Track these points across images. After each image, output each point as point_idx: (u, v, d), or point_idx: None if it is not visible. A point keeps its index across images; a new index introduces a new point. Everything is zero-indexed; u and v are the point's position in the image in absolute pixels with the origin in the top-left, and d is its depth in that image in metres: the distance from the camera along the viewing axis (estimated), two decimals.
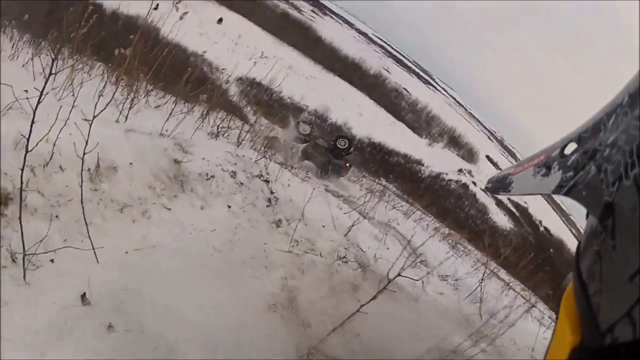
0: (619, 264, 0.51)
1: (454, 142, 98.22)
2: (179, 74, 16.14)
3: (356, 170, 33.27)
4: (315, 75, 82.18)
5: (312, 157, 18.96)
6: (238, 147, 8.84)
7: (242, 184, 6.82)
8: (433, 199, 47.26)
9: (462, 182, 75.26)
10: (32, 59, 7.44)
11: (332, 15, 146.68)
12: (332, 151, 18.78)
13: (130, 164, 5.58)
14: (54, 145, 4.77)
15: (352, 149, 19.31)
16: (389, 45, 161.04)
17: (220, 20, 77.56)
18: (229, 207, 6.27)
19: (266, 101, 52.18)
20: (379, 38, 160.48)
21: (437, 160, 76.25)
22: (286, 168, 10.08)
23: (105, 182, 5.21)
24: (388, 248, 8.55)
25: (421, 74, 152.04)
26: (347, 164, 18.91)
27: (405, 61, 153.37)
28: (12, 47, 8.02)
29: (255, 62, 67.15)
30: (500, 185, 0.90)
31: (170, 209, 5.64)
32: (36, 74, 7.10)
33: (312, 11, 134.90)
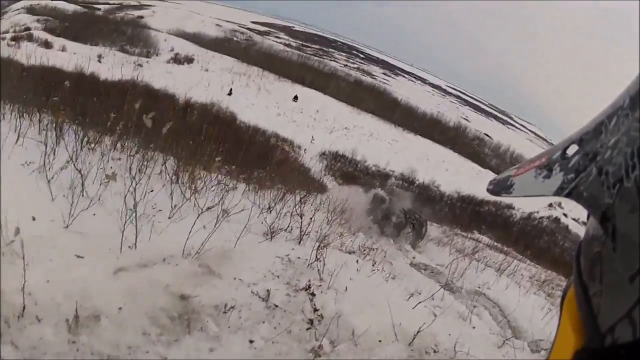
0: (619, 265, 0.51)
1: None
2: (256, 158, 16.07)
3: (448, 229, 31.97)
4: (396, 138, 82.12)
5: (387, 226, 17.22)
6: (299, 243, 7.61)
7: (276, 306, 5.47)
8: (526, 241, 46.01)
9: (554, 216, 73.61)
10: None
11: (404, 74, 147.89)
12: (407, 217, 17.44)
13: (120, 308, 4.54)
14: (24, 294, 3.82)
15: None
16: (463, 93, 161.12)
17: (295, 98, 78.84)
18: (251, 342, 4.90)
19: (351, 172, 51.75)
20: (452, 88, 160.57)
21: (527, 200, 71.94)
22: (361, 253, 9.01)
23: (85, 333, 4.16)
24: (474, 327, 7.15)
25: (499, 115, 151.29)
26: (423, 224, 17.46)
27: (482, 106, 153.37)
28: (42, 155, 6.53)
29: (335, 135, 68.17)
30: (501, 187, 0.68)
31: (165, 359, 4.40)
32: (59, 191, 6.06)
33: (384, 74, 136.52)
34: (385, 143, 75.95)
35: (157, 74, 61.71)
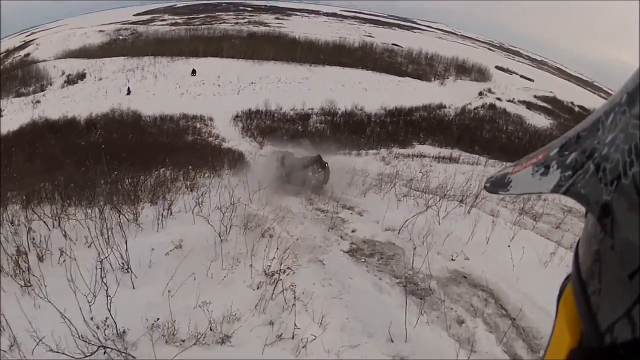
0: (618, 263, 0.51)
1: (462, 69, 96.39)
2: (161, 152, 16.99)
3: (386, 152, 28.65)
4: (305, 75, 79.14)
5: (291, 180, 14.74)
6: None
7: None
8: (470, 136, 46.62)
9: (488, 103, 73.14)
10: None
11: (296, 13, 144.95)
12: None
13: None
14: None
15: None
16: (360, 12, 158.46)
17: (193, 72, 75.76)
18: None
19: (269, 126, 48.29)
20: (348, 11, 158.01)
21: (455, 95, 74.04)
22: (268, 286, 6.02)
23: None
24: None
25: (402, 23, 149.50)
26: (321, 170, 14.54)
27: (382, 19, 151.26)
28: None
29: (243, 94, 65.23)
30: (499, 185, 0.81)
31: None
32: None
33: (277, 18, 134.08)
34: (295, 84, 73.27)
35: (54, 104, 61.33)
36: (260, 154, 24.44)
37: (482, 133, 52.20)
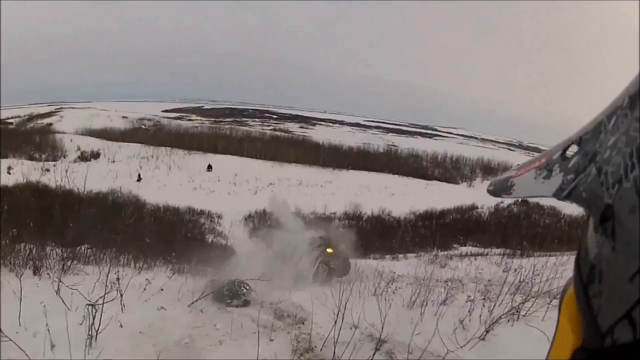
0: (619, 265, 0.51)
1: (488, 170, 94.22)
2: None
3: (427, 257, 24.64)
4: (329, 179, 74.22)
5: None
6: None
7: None
8: (514, 236, 41.70)
9: (519, 200, 66.50)
10: None
11: (321, 123, 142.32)
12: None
13: None
14: None
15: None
16: (383, 122, 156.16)
17: (209, 168, 71.38)
18: None
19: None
20: (370, 121, 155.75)
21: (485, 195, 66.25)
22: None
23: None
24: None
25: (423, 131, 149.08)
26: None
27: (404, 128, 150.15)
28: None
29: (261, 194, 59.23)
30: (502, 188, 0.81)
31: None
32: None
33: (301, 127, 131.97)
34: (317, 187, 69.25)
35: (62, 175, 54.85)
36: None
37: (521, 230, 48.57)
